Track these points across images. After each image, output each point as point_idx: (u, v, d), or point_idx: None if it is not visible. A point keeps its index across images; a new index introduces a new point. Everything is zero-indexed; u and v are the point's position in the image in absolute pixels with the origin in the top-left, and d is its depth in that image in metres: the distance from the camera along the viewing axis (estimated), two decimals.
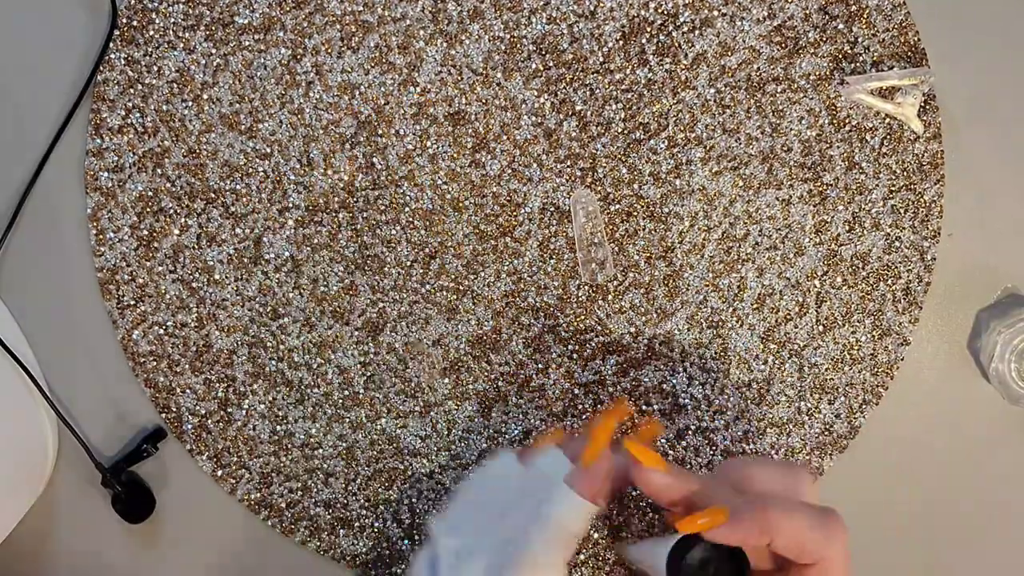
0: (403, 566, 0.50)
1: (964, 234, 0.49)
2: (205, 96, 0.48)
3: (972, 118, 0.48)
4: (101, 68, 0.48)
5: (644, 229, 0.49)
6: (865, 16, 0.47)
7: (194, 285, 0.49)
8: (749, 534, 0.34)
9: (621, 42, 0.48)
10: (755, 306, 0.49)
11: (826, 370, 0.49)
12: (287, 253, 0.49)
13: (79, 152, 0.49)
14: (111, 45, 0.48)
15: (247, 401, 0.50)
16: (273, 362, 0.49)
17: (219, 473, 0.50)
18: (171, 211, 0.49)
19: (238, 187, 0.49)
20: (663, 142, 0.48)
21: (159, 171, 0.48)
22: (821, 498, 0.37)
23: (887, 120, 0.48)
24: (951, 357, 0.50)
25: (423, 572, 0.39)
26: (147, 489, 0.50)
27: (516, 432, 0.50)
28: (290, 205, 0.49)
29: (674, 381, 0.49)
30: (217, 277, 0.49)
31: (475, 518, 0.40)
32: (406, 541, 0.50)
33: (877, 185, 0.48)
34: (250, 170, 0.48)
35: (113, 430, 0.50)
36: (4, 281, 0.50)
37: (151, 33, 0.48)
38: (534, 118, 0.48)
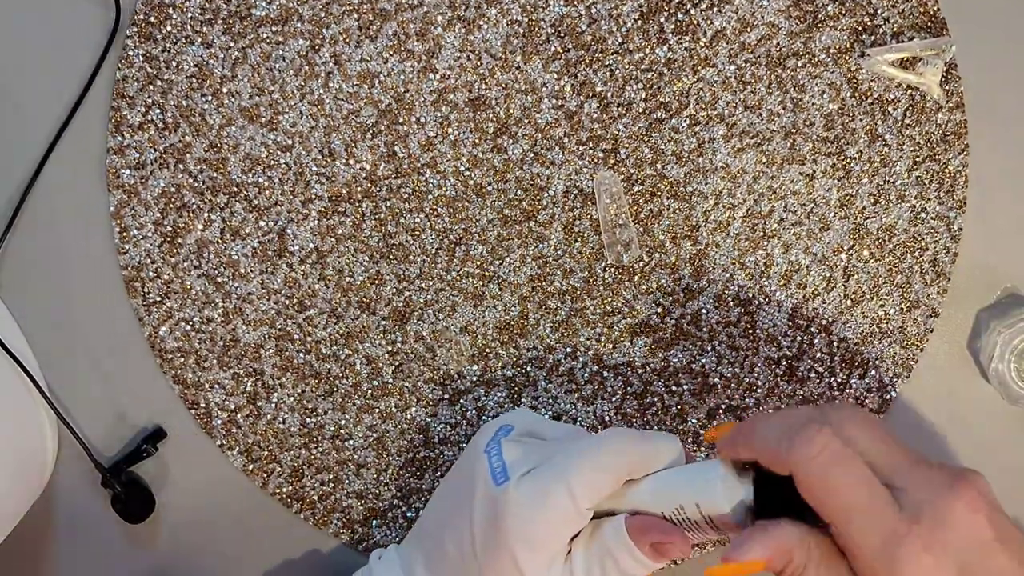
0: None
1: (964, 233, 0.49)
2: (224, 90, 0.48)
3: (971, 119, 0.48)
4: (120, 65, 0.48)
5: (668, 209, 0.48)
6: None
7: (219, 280, 0.49)
8: (733, 442, 0.36)
9: (640, 22, 0.47)
10: (782, 282, 0.49)
11: (856, 344, 0.49)
12: (311, 245, 0.49)
13: (82, 150, 0.49)
14: (124, 43, 0.48)
15: (276, 394, 0.49)
16: (301, 354, 0.49)
17: (250, 468, 0.50)
18: (194, 206, 0.49)
19: (260, 180, 0.48)
20: (685, 121, 0.48)
21: (181, 167, 0.48)
22: None
23: (909, 91, 0.48)
24: (951, 357, 0.50)
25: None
26: (147, 489, 0.50)
27: (547, 416, 0.49)
28: (313, 196, 0.48)
29: (703, 360, 0.49)
30: (242, 271, 0.49)
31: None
32: None
33: (901, 157, 0.48)
34: (272, 162, 0.48)
35: (113, 430, 0.50)
36: (4, 281, 0.50)
37: (168, 29, 0.48)
38: (555, 101, 0.48)
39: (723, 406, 0.49)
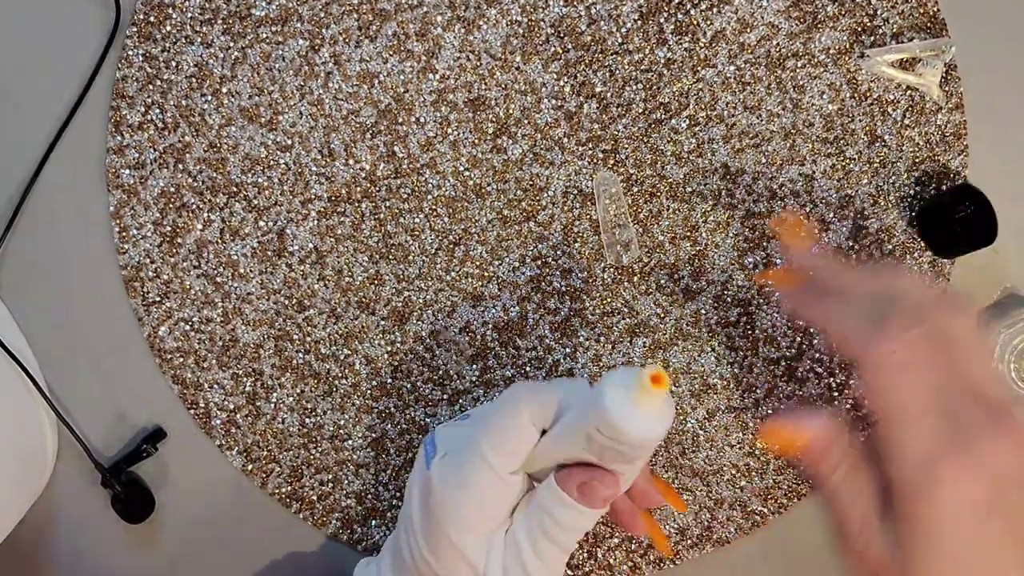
0: None
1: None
2: (224, 90, 0.48)
3: (971, 119, 0.48)
4: (119, 65, 0.48)
5: (668, 209, 0.48)
6: None
7: (219, 280, 0.49)
8: (797, 300, 0.36)
9: (639, 22, 0.47)
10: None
11: None
12: (311, 245, 0.49)
13: (82, 150, 0.49)
14: (124, 43, 0.48)
15: (275, 395, 0.49)
16: (300, 354, 0.49)
17: (249, 468, 0.50)
18: (194, 206, 0.49)
19: (260, 180, 0.48)
20: (684, 121, 0.48)
21: (180, 167, 0.48)
22: None
23: (908, 92, 0.48)
24: None
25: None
26: (147, 489, 0.50)
27: None
28: (312, 196, 0.48)
29: (702, 361, 0.49)
30: (242, 271, 0.49)
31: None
32: None
33: (901, 157, 0.48)
34: (271, 163, 0.48)
35: (113, 430, 0.50)
36: (4, 281, 0.50)
37: (168, 29, 0.48)
38: (554, 101, 0.48)
39: (722, 407, 0.49)
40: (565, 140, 0.48)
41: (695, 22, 0.47)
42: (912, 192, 0.48)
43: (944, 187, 0.48)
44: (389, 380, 0.49)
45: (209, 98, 0.48)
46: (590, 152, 0.48)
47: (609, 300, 0.49)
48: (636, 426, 0.34)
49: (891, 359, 0.33)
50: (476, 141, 0.48)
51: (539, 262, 0.49)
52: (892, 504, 0.34)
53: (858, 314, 0.34)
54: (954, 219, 0.46)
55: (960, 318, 0.34)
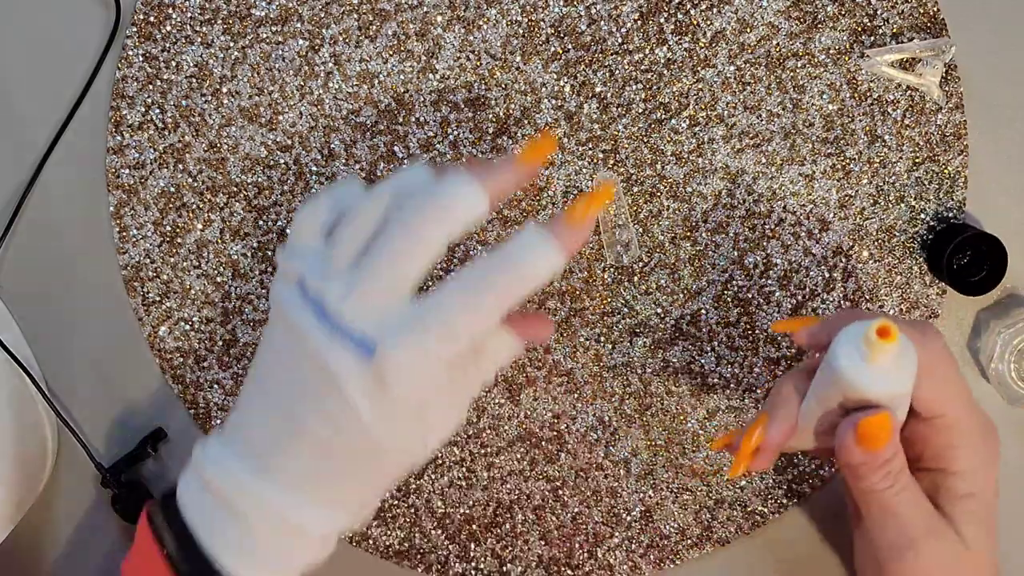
0: (436, 555, 0.50)
1: None
2: (224, 90, 0.48)
3: (971, 119, 0.48)
4: (119, 65, 0.48)
5: (668, 209, 0.48)
6: None
7: (219, 280, 0.49)
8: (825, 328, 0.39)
9: (639, 22, 0.47)
10: (782, 283, 0.49)
11: None
12: None
13: (82, 150, 0.49)
14: (124, 43, 0.48)
15: None
16: None
17: None
18: (194, 206, 0.49)
19: (260, 180, 0.48)
20: (684, 121, 0.48)
21: (180, 166, 0.48)
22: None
23: (908, 92, 0.48)
24: None
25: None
26: (147, 489, 0.50)
27: (547, 416, 0.50)
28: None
29: (703, 361, 0.49)
30: (242, 271, 0.49)
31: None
32: (438, 530, 0.50)
33: (900, 157, 0.48)
34: (271, 162, 0.48)
35: (113, 430, 0.50)
36: (4, 281, 0.50)
37: (168, 29, 0.48)
38: (554, 101, 0.48)
39: (723, 407, 0.49)
40: (565, 140, 0.48)
41: (695, 22, 0.47)
42: (940, 209, 0.48)
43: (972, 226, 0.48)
44: None
45: (209, 98, 0.48)
46: (590, 152, 0.48)
47: (609, 300, 0.49)
48: (878, 384, 0.35)
49: (947, 355, 0.40)
50: (476, 141, 0.48)
51: None
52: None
53: (905, 321, 0.40)
54: (952, 263, 0.47)
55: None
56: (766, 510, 0.50)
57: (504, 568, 0.50)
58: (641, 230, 0.49)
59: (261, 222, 0.49)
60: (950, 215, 0.48)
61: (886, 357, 0.34)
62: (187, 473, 0.38)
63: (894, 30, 0.47)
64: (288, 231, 0.39)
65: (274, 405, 0.37)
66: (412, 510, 0.50)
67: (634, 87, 0.48)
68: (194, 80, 0.48)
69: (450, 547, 0.50)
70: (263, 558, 0.37)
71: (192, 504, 0.37)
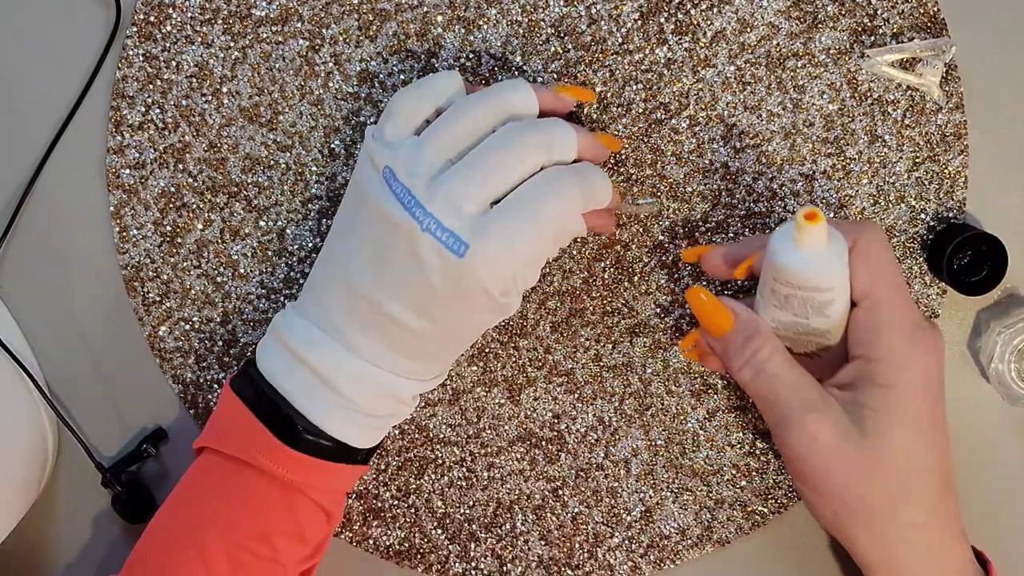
0: (436, 555, 0.50)
1: None
2: (224, 90, 0.48)
3: (971, 119, 0.48)
4: (119, 65, 0.48)
5: (668, 209, 0.48)
6: None
7: (219, 280, 0.49)
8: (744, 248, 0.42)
9: (640, 22, 0.47)
10: None
11: None
12: (311, 244, 0.49)
13: (82, 150, 0.49)
14: (124, 43, 0.48)
15: None
16: None
17: None
18: (194, 206, 0.49)
19: (260, 180, 0.48)
20: (684, 121, 0.48)
21: (180, 166, 0.48)
22: None
23: (909, 92, 0.48)
24: (950, 357, 0.49)
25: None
26: (147, 489, 0.50)
27: (547, 416, 0.50)
28: (313, 196, 0.48)
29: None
30: (242, 271, 0.49)
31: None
32: (438, 530, 0.50)
33: (901, 157, 0.48)
34: (272, 162, 0.48)
35: (113, 430, 0.50)
36: (4, 281, 0.50)
37: (168, 29, 0.48)
38: None
39: (723, 408, 0.49)
40: None
41: (695, 22, 0.47)
42: (942, 209, 0.48)
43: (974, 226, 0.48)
44: None
45: (209, 98, 0.48)
46: None
47: (609, 300, 0.49)
48: (803, 264, 0.38)
49: (883, 236, 0.41)
50: None
51: None
52: (848, 386, 0.40)
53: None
54: (952, 263, 0.47)
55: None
56: (766, 510, 0.50)
57: (504, 568, 0.50)
58: (642, 230, 0.49)
59: (261, 222, 0.49)
60: (950, 215, 0.48)
61: (814, 240, 0.37)
62: (270, 346, 0.42)
63: (894, 30, 0.47)
64: (382, 112, 0.42)
65: (359, 281, 0.40)
66: (412, 510, 0.50)
67: (634, 87, 0.48)
68: (194, 80, 0.48)
69: (450, 547, 0.50)
70: (361, 421, 0.42)
71: (282, 373, 0.41)
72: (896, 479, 0.39)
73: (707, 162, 0.48)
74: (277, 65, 0.48)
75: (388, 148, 0.40)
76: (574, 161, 0.42)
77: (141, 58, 0.48)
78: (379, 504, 0.50)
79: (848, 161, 0.48)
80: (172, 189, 0.49)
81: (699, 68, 0.48)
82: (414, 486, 0.50)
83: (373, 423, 0.43)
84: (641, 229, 0.48)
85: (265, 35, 0.48)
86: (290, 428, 0.41)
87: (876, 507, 0.39)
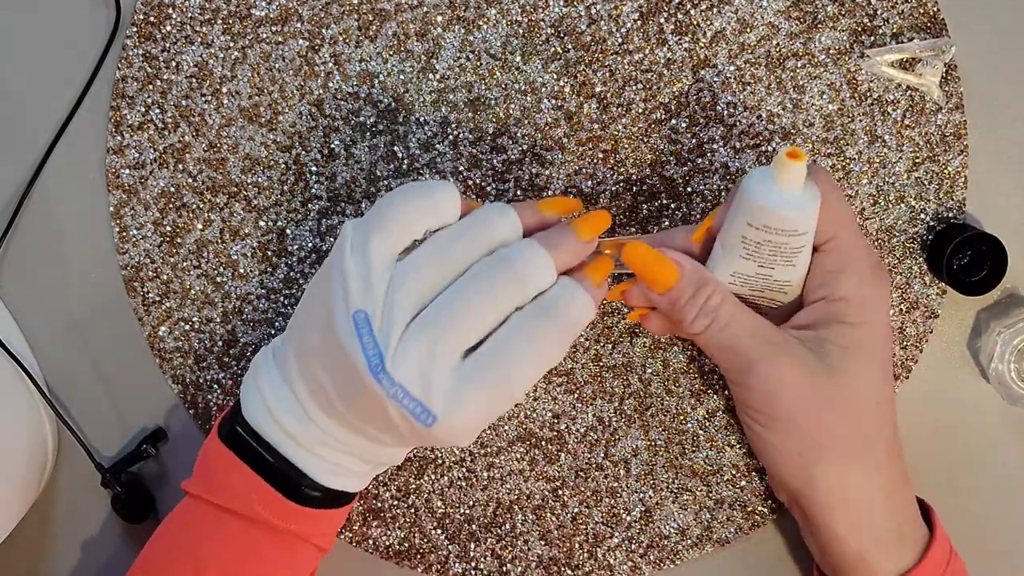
0: (436, 555, 0.50)
1: None
2: (224, 90, 0.48)
3: (971, 119, 0.48)
4: (119, 65, 0.48)
5: (668, 209, 0.48)
6: None
7: (219, 280, 0.49)
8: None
9: (639, 22, 0.47)
10: None
11: None
12: (311, 244, 0.49)
13: (82, 150, 0.49)
14: (124, 43, 0.48)
15: None
16: None
17: None
18: (194, 206, 0.49)
19: (260, 180, 0.48)
20: (684, 121, 0.48)
21: (180, 167, 0.48)
22: None
23: (908, 92, 0.48)
24: (950, 358, 0.50)
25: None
26: (147, 489, 0.50)
27: (547, 416, 0.50)
28: (313, 196, 0.48)
29: (702, 361, 0.49)
30: (242, 271, 0.49)
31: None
32: (438, 530, 0.50)
33: (900, 158, 0.48)
34: (271, 162, 0.48)
35: (113, 430, 0.50)
36: (4, 281, 0.50)
37: (168, 29, 0.48)
38: (554, 101, 0.48)
39: (722, 407, 0.49)
40: (565, 140, 0.48)
41: (695, 22, 0.47)
42: (942, 209, 0.48)
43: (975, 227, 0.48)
44: None
45: (209, 98, 0.48)
46: (590, 152, 0.48)
47: (609, 300, 0.49)
48: (784, 203, 0.37)
49: (834, 182, 0.41)
50: (476, 141, 0.48)
51: None
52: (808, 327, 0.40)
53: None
54: (952, 263, 0.47)
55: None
56: (766, 510, 0.50)
57: (504, 568, 0.50)
58: (640, 231, 0.49)
59: (261, 222, 0.49)
60: (950, 215, 0.48)
61: (795, 179, 0.37)
62: (252, 394, 0.41)
63: (894, 30, 0.47)
64: (372, 209, 0.39)
65: (320, 380, 0.39)
66: (412, 510, 0.50)
67: (634, 87, 0.48)
68: (194, 80, 0.48)
69: (450, 547, 0.50)
70: (348, 472, 0.41)
71: (263, 425, 0.40)
72: (868, 414, 0.40)
73: (707, 162, 0.48)
74: (277, 65, 0.48)
75: (365, 283, 0.37)
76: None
77: (141, 58, 0.48)
78: (379, 504, 0.50)
79: (848, 161, 0.48)
80: (172, 189, 0.49)
81: (699, 68, 0.48)
82: (414, 486, 0.50)
83: (365, 470, 0.42)
84: (641, 229, 0.48)
85: (265, 35, 0.48)
86: (289, 482, 0.40)
87: (847, 442, 0.40)
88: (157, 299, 0.49)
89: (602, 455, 0.50)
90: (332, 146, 0.48)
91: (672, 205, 0.48)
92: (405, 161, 0.48)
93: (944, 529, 0.42)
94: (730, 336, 0.40)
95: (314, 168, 0.48)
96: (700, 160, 0.48)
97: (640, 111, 0.48)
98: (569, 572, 0.50)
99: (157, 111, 0.48)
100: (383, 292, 0.37)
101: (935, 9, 0.47)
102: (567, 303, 0.38)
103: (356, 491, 0.43)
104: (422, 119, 0.48)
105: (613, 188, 0.48)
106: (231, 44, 0.48)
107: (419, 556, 0.50)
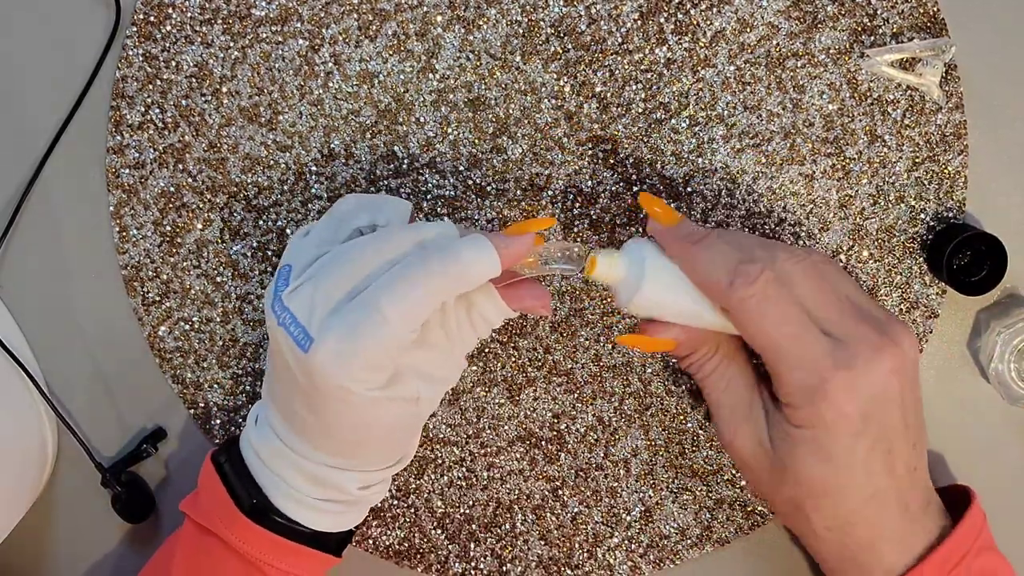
0: (436, 555, 0.50)
1: None
2: (224, 90, 0.48)
3: (971, 119, 0.48)
4: (119, 65, 0.48)
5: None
6: None
7: (219, 280, 0.49)
8: (678, 246, 0.40)
9: (639, 22, 0.47)
10: None
11: None
12: None
13: (82, 150, 0.49)
14: (124, 42, 0.48)
15: None
16: None
17: None
18: (194, 206, 0.49)
19: (260, 180, 0.48)
20: (684, 121, 0.48)
21: (180, 166, 0.48)
22: None
23: (908, 92, 0.48)
24: (950, 357, 0.50)
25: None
26: (147, 489, 0.50)
27: (547, 416, 0.50)
28: (312, 196, 0.48)
29: None
30: (242, 271, 0.49)
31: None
32: (438, 530, 0.50)
33: (900, 157, 0.48)
34: (271, 162, 0.48)
35: (113, 430, 0.50)
36: (4, 281, 0.50)
37: (168, 29, 0.48)
38: (554, 101, 0.48)
39: None
40: (565, 140, 0.48)
41: (695, 22, 0.47)
42: (941, 209, 0.48)
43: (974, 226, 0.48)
44: None
45: (209, 98, 0.48)
46: (590, 152, 0.48)
47: (609, 300, 0.49)
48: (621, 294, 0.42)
49: (754, 300, 0.38)
50: (476, 141, 0.48)
51: None
52: (778, 404, 0.40)
53: (720, 263, 0.39)
54: (951, 263, 0.47)
55: (801, 258, 0.39)
56: (766, 510, 0.50)
57: (504, 568, 0.50)
58: (642, 231, 0.49)
59: (261, 222, 0.49)
60: (950, 215, 0.48)
61: (600, 275, 0.41)
62: (249, 420, 0.44)
63: (894, 30, 0.47)
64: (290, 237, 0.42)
65: (280, 398, 0.41)
66: (412, 510, 0.50)
67: (634, 87, 0.48)
68: (194, 80, 0.48)
69: (450, 547, 0.50)
70: (313, 505, 0.42)
71: (246, 450, 0.43)
72: (800, 493, 0.40)
73: (707, 162, 0.48)
74: (277, 65, 0.48)
75: (297, 248, 0.40)
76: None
77: (141, 58, 0.48)
78: (379, 504, 0.50)
79: (848, 161, 0.48)
80: (172, 189, 0.49)
81: (699, 68, 0.48)
82: (414, 486, 0.50)
83: (332, 508, 0.42)
84: (641, 229, 0.49)
85: (265, 35, 0.48)
86: (254, 503, 0.41)
87: (787, 512, 0.41)
88: (157, 299, 0.49)
89: (602, 455, 0.50)
90: (332, 146, 0.48)
91: (672, 205, 0.48)
92: (405, 161, 0.48)
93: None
94: (712, 396, 0.44)
95: (314, 168, 0.48)
96: (700, 160, 0.48)
97: (640, 111, 0.48)
98: (569, 572, 0.50)
99: (157, 111, 0.48)
100: (313, 256, 0.39)
101: (935, 9, 0.47)
102: (456, 243, 0.37)
103: (320, 530, 0.42)
104: (422, 119, 0.48)
105: (613, 188, 0.48)
106: (231, 44, 0.48)
107: (419, 556, 0.50)
